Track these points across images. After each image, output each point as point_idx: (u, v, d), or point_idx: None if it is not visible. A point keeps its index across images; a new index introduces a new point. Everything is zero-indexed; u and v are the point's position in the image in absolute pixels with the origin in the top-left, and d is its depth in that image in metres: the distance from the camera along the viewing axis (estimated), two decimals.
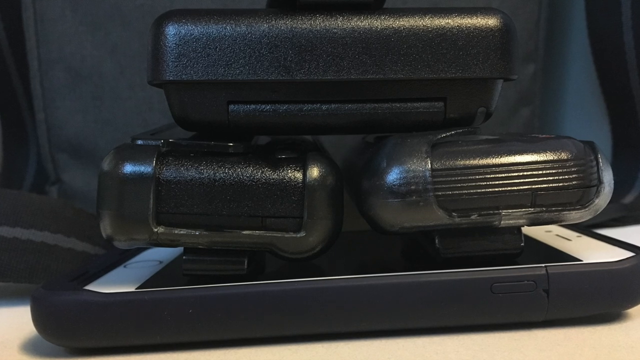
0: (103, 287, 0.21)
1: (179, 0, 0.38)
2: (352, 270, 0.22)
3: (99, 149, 0.39)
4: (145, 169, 0.21)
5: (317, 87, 0.22)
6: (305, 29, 0.22)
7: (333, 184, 0.21)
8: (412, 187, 0.20)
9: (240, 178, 0.21)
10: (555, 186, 0.21)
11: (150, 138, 0.22)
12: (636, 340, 0.20)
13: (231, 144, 0.22)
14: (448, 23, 0.22)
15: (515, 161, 0.21)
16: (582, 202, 0.21)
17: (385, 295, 0.21)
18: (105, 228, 0.21)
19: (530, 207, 0.21)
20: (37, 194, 0.33)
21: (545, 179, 0.21)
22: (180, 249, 0.23)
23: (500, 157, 0.21)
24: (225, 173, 0.21)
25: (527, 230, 0.26)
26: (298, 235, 0.21)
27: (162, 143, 0.21)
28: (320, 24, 0.22)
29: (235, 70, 0.22)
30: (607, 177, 0.21)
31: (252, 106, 0.22)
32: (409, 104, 0.23)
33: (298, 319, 0.21)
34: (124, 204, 0.20)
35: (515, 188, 0.20)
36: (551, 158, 0.21)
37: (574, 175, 0.21)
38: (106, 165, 0.21)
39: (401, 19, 0.22)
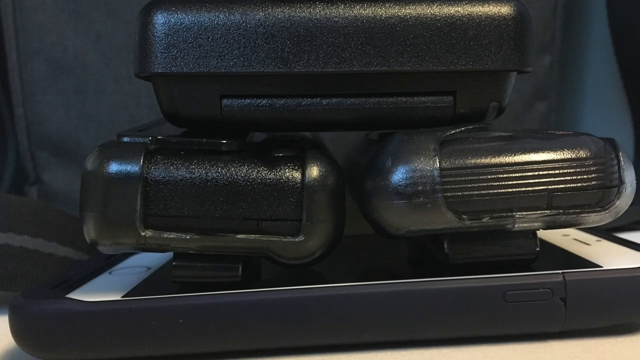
0: (87, 295, 0.21)
1: None
2: (355, 277, 0.22)
3: (82, 146, 0.39)
4: (132, 168, 0.21)
5: (316, 80, 0.22)
6: (304, 17, 0.22)
7: (334, 184, 0.21)
8: (419, 187, 0.20)
9: (234, 178, 0.21)
10: (573, 187, 0.21)
11: (138, 135, 0.22)
12: None
13: (224, 142, 0.22)
14: (458, 11, 0.22)
15: (530, 160, 0.21)
16: (602, 204, 0.21)
17: (391, 304, 0.21)
18: (89, 232, 0.21)
19: (546, 209, 0.21)
20: (16, 195, 0.33)
21: (562, 179, 0.21)
22: (169, 255, 0.23)
23: (514, 155, 0.21)
24: (218, 173, 0.21)
25: (542, 234, 0.26)
26: (296, 240, 0.21)
27: (150, 140, 0.21)
28: (320, 12, 0.22)
29: (228, 61, 0.22)
30: (629, 177, 0.21)
31: (247, 100, 0.22)
32: (415, 98, 0.23)
33: (296, 330, 0.21)
34: (109, 206, 0.20)
35: (530, 189, 0.20)
36: (569, 156, 0.21)
37: (593, 175, 0.21)
38: (90, 164, 0.21)
39: (407, 7, 0.22)
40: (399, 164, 0.20)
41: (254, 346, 0.21)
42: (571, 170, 0.21)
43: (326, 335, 0.21)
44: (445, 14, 0.22)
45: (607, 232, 0.28)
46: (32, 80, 0.39)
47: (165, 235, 0.21)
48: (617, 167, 0.21)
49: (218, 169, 0.21)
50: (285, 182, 0.21)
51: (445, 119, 0.23)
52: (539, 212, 0.21)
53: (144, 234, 0.21)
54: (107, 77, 0.39)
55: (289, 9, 0.22)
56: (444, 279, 0.21)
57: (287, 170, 0.21)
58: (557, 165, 0.21)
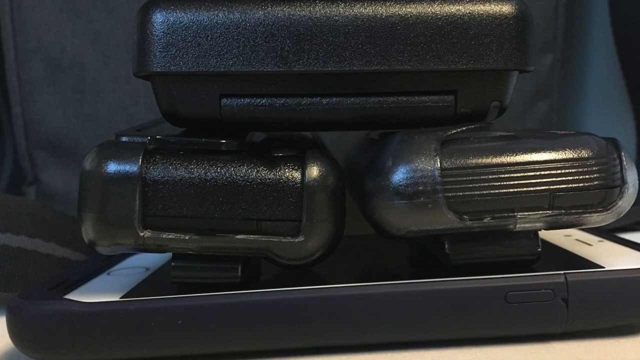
0: (85, 296, 0.21)
1: None
2: (355, 278, 0.22)
3: (80, 146, 0.39)
4: (131, 168, 0.21)
5: (316, 79, 0.22)
6: (304, 16, 0.22)
7: (334, 184, 0.21)
8: (420, 187, 0.20)
9: (233, 178, 0.21)
10: (575, 187, 0.21)
11: (136, 135, 0.22)
12: None
13: (224, 141, 0.22)
14: (459, 10, 0.22)
15: (531, 160, 0.21)
16: (604, 204, 0.21)
17: (391, 305, 0.21)
18: (87, 232, 0.21)
19: (548, 210, 0.21)
20: (14, 195, 0.33)
21: (564, 179, 0.21)
22: (168, 255, 0.23)
23: (516, 155, 0.21)
24: (217, 172, 0.21)
25: (544, 234, 0.26)
26: (296, 240, 0.21)
27: (148, 140, 0.21)
28: (320, 10, 0.22)
29: (228, 60, 0.22)
30: (631, 177, 0.21)
31: (247, 100, 0.22)
32: (416, 97, 0.23)
33: (296, 331, 0.21)
34: (108, 206, 0.20)
35: (531, 189, 0.20)
36: (570, 156, 0.21)
37: (595, 175, 0.21)
38: (88, 164, 0.21)
39: (408, 6, 0.22)
40: (399, 164, 0.20)
41: (254, 347, 0.21)
42: (573, 170, 0.21)
43: (326, 336, 0.21)
44: (446, 13, 0.22)
45: (609, 233, 0.28)
46: (30, 80, 0.39)
47: (164, 236, 0.21)
48: (619, 167, 0.21)
49: (217, 168, 0.21)
50: (285, 182, 0.21)
51: (446, 119, 0.23)
52: (541, 212, 0.21)
53: (142, 234, 0.21)
54: (106, 77, 0.39)
55: (288, 8, 0.22)
56: (445, 280, 0.21)
57: (287, 170, 0.21)
58: (559, 165, 0.21)
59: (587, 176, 0.21)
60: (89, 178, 0.21)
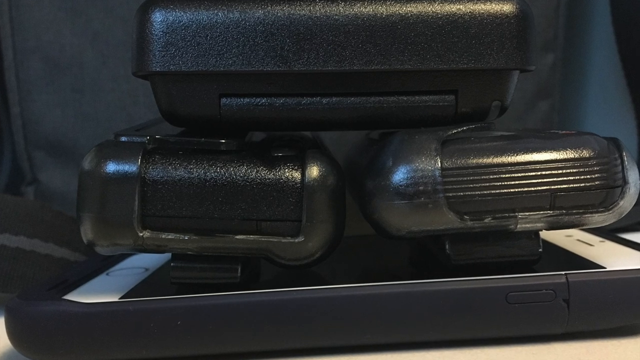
0: (84, 296, 0.21)
1: None
2: (355, 279, 0.22)
3: (79, 146, 0.39)
4: (130, 168, 0.21)
5: (316, 78, 0.22)
6: (304, 15, 0.22)
7: (334, 184, 0.21)
8: (421, 187, 0.20)
9: (233, 178, 0.21)
10: (576, 187, 0.21)
11: (135, 134, 0.22)
12: None
13: (223, 141, 0.22)
14: (460, 9, 0.22)
15: (532, 159, 0.21)
16: (606, 204, 0.21)
17: (392, 306, 0.21)
18: (86, 232, 0.21)
19: (549, 210, 0.21)
20: (12, 196, 0.33)
21: (565, 179, 0.21)
22: (167, 255, 0.23)
23: (517, 155, 0.21)
24: (217, 172, 0.21)
25: (545, 234, 0.26)
26: (296, 240, 0.21)
27: (148, 140, 0.21)
28: (320, 9, 0.22)
29: (227, 60, 0.22)
30: (633, 176, 0.21)
31: (246, 99, 0.22)
32: (416, 97, 0.23)
33: (296, 332, 0.21)
34: (107, 206, 0.20)
35: (532, 189, 0.20)
36: (572, 156, 0.21)
37: (596, 175, 0.21)
38: (87, 164, 0.21)
39: (408, 5, 0.22)
40: (400, 164, 0.20)
41: (254, 348, 0.21)
42: (574, 170, 0.21)
43: (326, 337, 0.21)
44: (447, 12, 0.22)
45: (610, 233, 0.28)
46: (29, 79, 0.39)
47: (163, 236, 0.21)
48: (620, 167, 0.21)
49: (217, 168, 0.21)
50: (285, 182, 0.21)
51: (447, 118, 0.23)
52: (542, 212, 0.21)
53: (141, 234, 0.21)
54: (105, 76, 0.39)
55: (288, 7, 0.22)
56: (446, 280, 0.21)
57: (286, 170, 0.21)
58: (560, 165, 0.21)
59: (588, 176, 0.21)
60: (88, 178, 0.21)
